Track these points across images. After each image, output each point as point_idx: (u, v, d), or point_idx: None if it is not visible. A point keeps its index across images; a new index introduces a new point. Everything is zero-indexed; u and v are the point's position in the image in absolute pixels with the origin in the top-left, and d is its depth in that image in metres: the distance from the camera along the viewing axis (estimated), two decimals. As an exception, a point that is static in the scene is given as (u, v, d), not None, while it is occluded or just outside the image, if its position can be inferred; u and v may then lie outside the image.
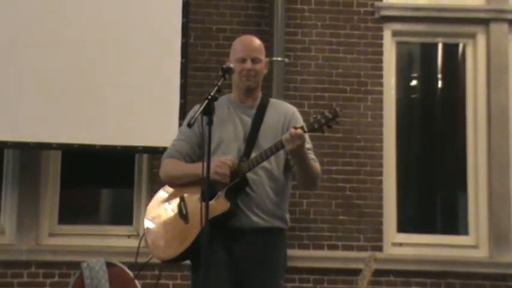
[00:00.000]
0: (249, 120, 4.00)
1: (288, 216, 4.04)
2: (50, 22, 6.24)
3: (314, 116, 3.68)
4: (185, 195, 3.97)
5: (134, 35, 6.27)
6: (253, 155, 3.89)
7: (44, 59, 6.18)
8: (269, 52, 6.57)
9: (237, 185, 3.83)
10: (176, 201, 3.99)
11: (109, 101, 6.22)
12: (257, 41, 4.10)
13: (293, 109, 4.13)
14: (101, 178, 7.04)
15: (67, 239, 6.58)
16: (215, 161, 3.76)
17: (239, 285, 3.87)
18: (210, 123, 3.55)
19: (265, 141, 3.92)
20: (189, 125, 3.58)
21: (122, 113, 6.21)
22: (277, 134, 3.93)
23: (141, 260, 4.40)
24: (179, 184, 4.02)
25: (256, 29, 6.71)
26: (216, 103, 3.93)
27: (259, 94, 4.11)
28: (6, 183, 6.59)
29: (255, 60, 4.00)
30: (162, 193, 4.14)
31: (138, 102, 6.21)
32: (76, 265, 5.78)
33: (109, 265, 5.62)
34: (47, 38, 6.21)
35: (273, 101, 4.15)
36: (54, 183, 6.65)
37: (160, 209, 4.06)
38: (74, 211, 6.84)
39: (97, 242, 6.45)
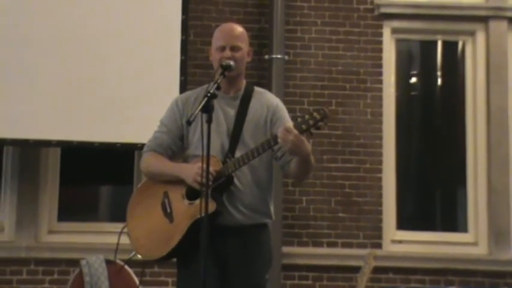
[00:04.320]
0: (232, 113, 3.92)
1: (272, 209, 3.98)
2: (48, 19, 6.22)
3: (302, 116, 3.58)
4: (169, 191, 3.90)
5: (134, 32, 6.26)
6: (237, 150, 3.83)
7: (44, 56, 6.17)
8: (269, 49, 6.61)
9: (222, 184, 3.77)
10: (159, 196, 3.92)
11: (108, 98, 6.22)
12: (238, 29, 4.00)
13: (276, 101, 4.04)
14: (100, 175, 7.04)
15: (66, 236, 6.57)
16: (196, 168, 3.66)
17: (224, 282, 3.83)
18: (209, 120, 3.50)
19: (249, 136, 3.87)
20: (189, 123, 3.53)
21: (121, 110, 6.21)
22: (260, 128, 3.90)
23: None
24: (160, 180, 3.96)
25: (256, 26, 6.72)
26: (198, 94, 3.93)
27: (242, 83, 4.02)
28: (6, 180, 6.57)
29: (234, 48, 3.90)
30: (145, 186, 4.08)
31: (137, 100, 6.20)
32: (75, 262, 5.76)
33: (108, 262, 5.61)
34: (46, 35, 6.20)
35: (257, 90, 4.04)
36: (53, 180, 6.64)
37: (143, 205, 3.99)
38: (73, 208, 6.84)
39: (96, 239, 6.43)
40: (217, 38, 3.97)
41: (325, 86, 6.76)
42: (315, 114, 3.55)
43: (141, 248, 3.95)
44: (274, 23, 6.65)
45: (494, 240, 6.67)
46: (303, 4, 6.84)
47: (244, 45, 3.97)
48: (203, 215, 3.49)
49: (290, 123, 3.61)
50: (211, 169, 3.63)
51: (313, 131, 3.57)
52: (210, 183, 3.63)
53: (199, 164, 3.62)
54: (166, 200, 3.90)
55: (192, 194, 3.82)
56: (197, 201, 3.71)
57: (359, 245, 6.60)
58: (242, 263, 3.86)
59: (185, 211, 3.81)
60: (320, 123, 3.55)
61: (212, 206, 3.65)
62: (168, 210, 3.87)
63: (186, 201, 3.83)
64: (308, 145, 3.63)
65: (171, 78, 6.19)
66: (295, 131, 3.53)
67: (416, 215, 7.22)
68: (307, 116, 3.56)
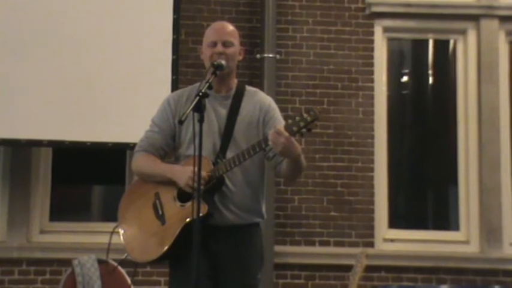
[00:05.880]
0: (224, 112, 3.90)
1: (264, 208, 3.98)
2: (40, 19, 6.21)
3: (292, 117, 3.56)
4: (160, 192, 3.88)
5: (125, 31, 6.25)
6: (229, 150, 3.82)
7: (35, 56, 6.16)
8: (260, 49, 6.61)
9: (214, 186, 3.76)
10: (151, 197, 3.90)
11: (100, 98, 6.21)
12: (229, 26, 4.00)
13: (268, 100, 4.02)
14: (92, 175, 7.03)
15: (58, 236, 6.56)
16: (189, 171, 3.64)
17: (216, 283, 3.83)
18: (201, 120, 3.48)
19: (241, 135, 3.86)
20: (181, 122, 3.50)
21: (113, 110, 6.20)
22: (253, 128, 3.89)
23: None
24: (152, 181, 3.95)
25: (248, 26, 6.72)
26: (190, 92, 3.92)
27: (234, 82, 4.00)
28: (-3, 179, 6.58)
29: (226, 44, 3.89)
30: (136, 186, 4.07)
31: (129, 99, 6.20)
32: (67, 262, 5.76)
33: (100, 262, 5.61)
34: (37, 35, 6.19)
35: (249, 89, 4.03)
36: (45, 180, 6.63)
37: (134, 205, 3.97)
38: (65, 208, 6.83)
39: (88, 239, 6.42)
40: (209, 34, 3.97)
41: (317, 85, 6.76)
42: (305, 116, 3.53)
43: (133, 250, 3.93)
44: (266, 22, 6.65)
45: (486, 238, 6.68)
46: (294, 3, 6.84)
47: (236, 43, 3.96)
48: (195, 217, 3.47)
49: (282, 124, 3.61)
50: (203, 173, 3.62)
51: (303, 131, 3.56)
52: (202, 187, 3.61)
53: (192, 168, 3.58)
54: (157, 202, 3.89)
55: (183, 196, 3.81)
56: (189, 204, 3.73)
57: (351, 244, 6.60)
58: (234, 262, 3.86)
59: (177, 213, 3.80)
60: (311, 125, 3.54)
61: (204, 209, 3.64)
62: (160, 212, 3.86)
63: (178, 203, 3.83)
64: (298, 146, 3.63)
65: (163, 77, 6.18)
66: (286, 134, 3.53)
67: (408, 213, 7.24)
68: (297, 118, 3.55)
